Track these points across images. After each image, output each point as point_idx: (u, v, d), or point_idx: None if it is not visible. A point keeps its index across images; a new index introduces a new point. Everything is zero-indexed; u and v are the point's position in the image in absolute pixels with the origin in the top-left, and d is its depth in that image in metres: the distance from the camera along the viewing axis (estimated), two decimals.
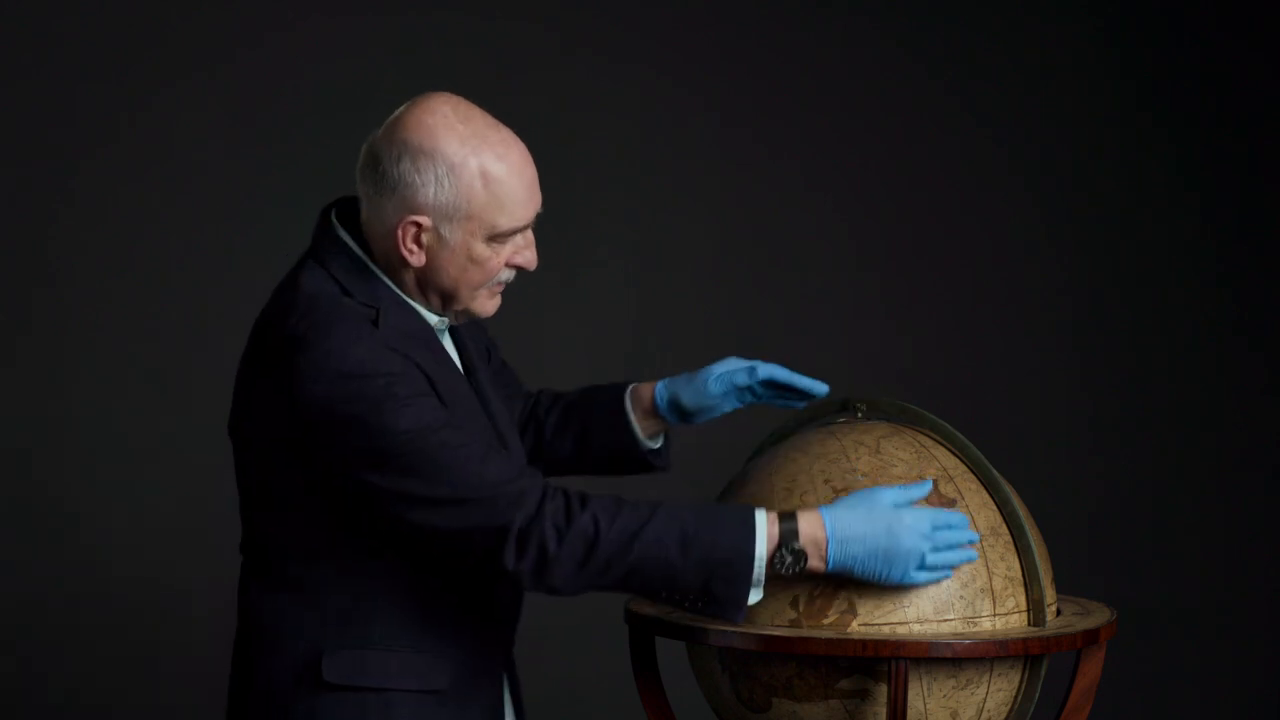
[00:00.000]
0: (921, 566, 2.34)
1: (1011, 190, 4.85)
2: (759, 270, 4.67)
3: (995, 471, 2.48)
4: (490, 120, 2.36)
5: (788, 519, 2.32)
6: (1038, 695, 2.50)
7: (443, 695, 2.38)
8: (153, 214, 4.17)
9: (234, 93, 4.21)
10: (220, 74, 4.20)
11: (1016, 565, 2.44)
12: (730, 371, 2.63)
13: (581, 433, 2.68)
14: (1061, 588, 2.61)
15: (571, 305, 4.48)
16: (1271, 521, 4.94)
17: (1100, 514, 4.84)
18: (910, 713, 2.38)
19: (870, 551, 2.32)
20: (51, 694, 4.10)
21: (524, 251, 2.39)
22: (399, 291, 2.38)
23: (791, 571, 2.32)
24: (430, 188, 2.31)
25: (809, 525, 2.32)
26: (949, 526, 2.36)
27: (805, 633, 2.36)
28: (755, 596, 2.33)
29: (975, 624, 2.39)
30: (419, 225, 2.32)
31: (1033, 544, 2.45)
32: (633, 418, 2.65)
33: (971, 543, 2.38)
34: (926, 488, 2.39)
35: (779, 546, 2.31)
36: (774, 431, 2.70)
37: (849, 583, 2.36)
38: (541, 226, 2.42)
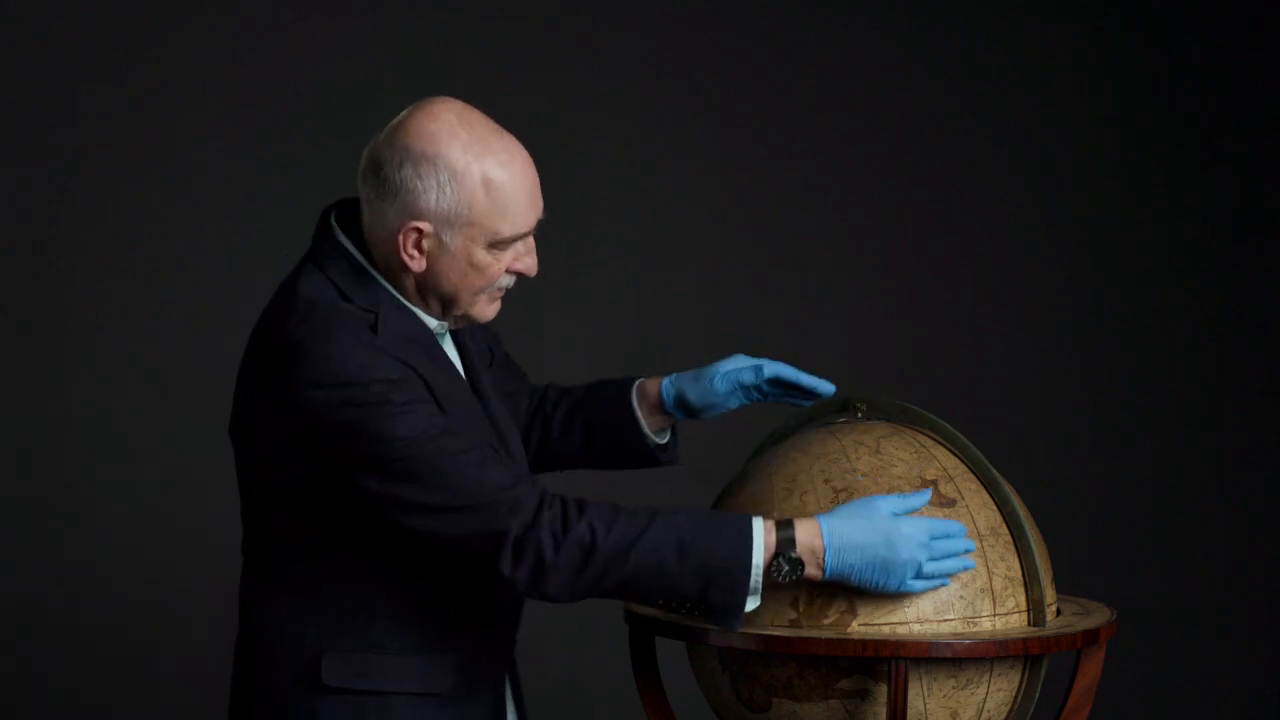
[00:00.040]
0: (919, 575, 2.34)
1: (1011, 190, 4.85)
2: (759, 270, 4.67)
3: (995, 471, 2.48)
4: (493, 126, 2.36)
5: (785, 527, 2.32)
6: (1038, 695, 2.50)
7: (443, 698, 2.38)
8: (153, 214, 4.17)
9: (234, 93, 4.21)
10: (220, 74, 4.20)
11: (1016, 565, 2.44)
12: (737, 370, 2.63)
13: (588, 428, 2.68)
14: (1061, 588, 2.61)
15: (571, 305, 4.48)
16: (1271, 521, 4.94)
17: (1100, 514, 4.84)
18: (910, 713, 2.38)
19: (868, 561, 2.33)
20: (51, 694, 4.10)
21: (524, 258, 2.39)
22: (399, 296, 2.38)
23: (788, 580, 2.32)
24: (432, 194, 2.31)
25: (806, 534, 2.32)
26: (947, 536, 2.36)
27: (805, 633, 2.36)
28: (753, 604, 2.33)
29: (975, 624, 2.39)
30: (420, 231, 2.32)
31: (1033, 544, 2.45)
32: (639, 413, 2.65)
33: (968, 552, 2.38)
34: (925, 497, 2.39)
35: (776, 555, 2.31)
36: (774, 431, 2.70)
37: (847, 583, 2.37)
38: (542, 226, 2.42)
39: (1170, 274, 4.93)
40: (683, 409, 2.65)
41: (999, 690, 2.44)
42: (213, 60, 4.20)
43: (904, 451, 2.48)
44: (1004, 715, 2.48)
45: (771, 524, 2.33)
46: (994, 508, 2.46)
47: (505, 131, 2.36)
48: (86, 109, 4.11)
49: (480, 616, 2.41)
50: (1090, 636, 2.45)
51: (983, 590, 2.40)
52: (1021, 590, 2.44)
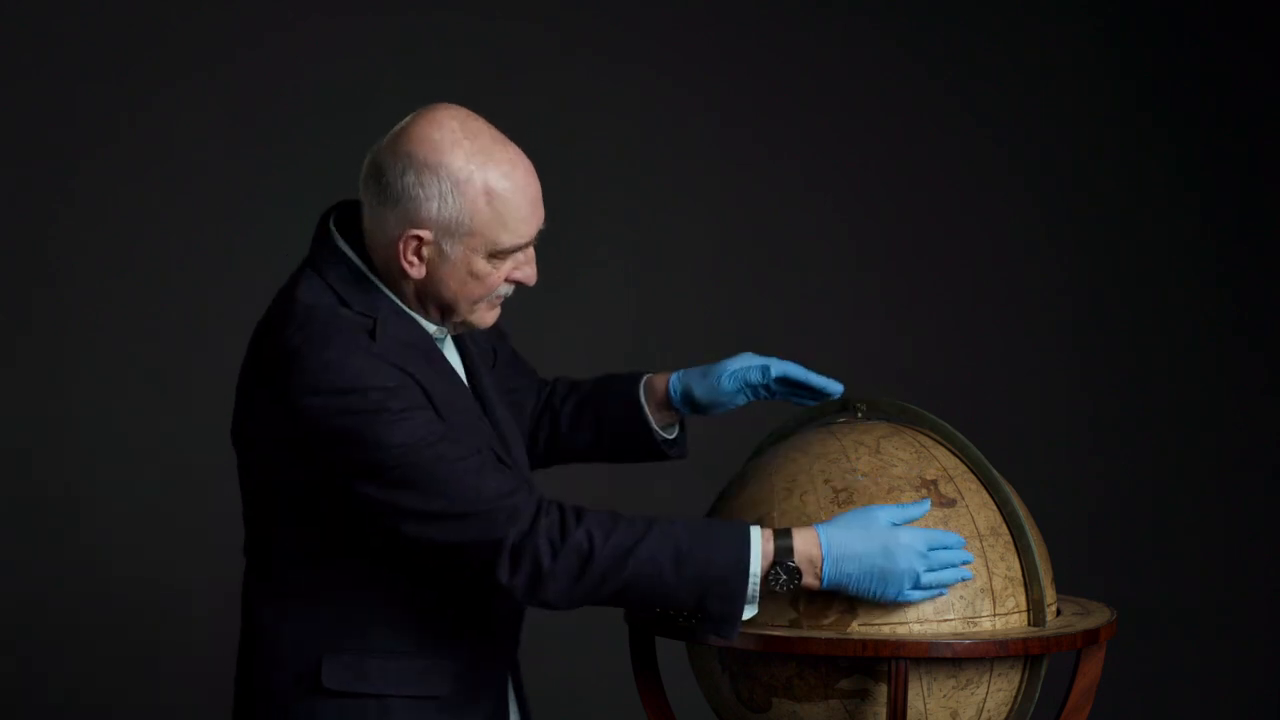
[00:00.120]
0: (916, 586, 2.34)
1: (1011, 190, 4.85)
2: (759, 270, 4.67)
3: (995, 471, 2.48)
4: (496, 135, 2.35)
5: (783, 536, 2.32)
6: (1038, 695, 2.50)
7: (442, 701, 2.38)
8: (153, 214, 4.17)
9: (234, 93, 4.21)
10: (220, 74, 4.20)
11: (1016, 565, 2.44)
12: (744, 368, 2.64)
13: (597, 422, 2.69)
14: (1061, 588, 2.61)
15: (571, 305, 4.48)
16: (1271, 521, 4.94)
17: (1100, 514, 4.84)
18: (910, 713, 2.38)
19: (865, 570, 2.33)
20: (51, 694, 4.10)
21: (524, 267, 2.39)
22: (398, 301, 2.38)
23: (786, 589, 2.32)
24: (434, 202, 2.31)
25: (804, 543, 2.32)
26: (945, 547, 2.36)
27: (805, 633, 2.36)
28: (750, 613, 2.33)
29: (975, 624, 2.39)
30: (420, 239, 2.32)
31: (1033, 544, 2.45)
32: (647, 408, 2.66)
33: (967, 563, 2.38)
34: (924, 508, 2.39)
35: (774, 564, 2.31)
36: (774, 431, 2.70)
37: None
38: (542, 229, 2.42)
39: (1170, 274, 4.93)
40: (690, 405, 2.66)
41: (999, 690, 2.44)
42: (213, 60, 4.20)
43: (904, 451, 2.48)
44: (1004, 715, 2.48)
45: (769, 533, 2.33)
46: (994, 508, 2.46)
47: (508, 140, 2.36)
48: (86, 109, 4.11)
49: (479, 623, 2.41)
50: (1090, 636, 2.45)
51: (983, 590, 2.40)
52: (1021, 590, 2.44)
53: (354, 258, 2.37)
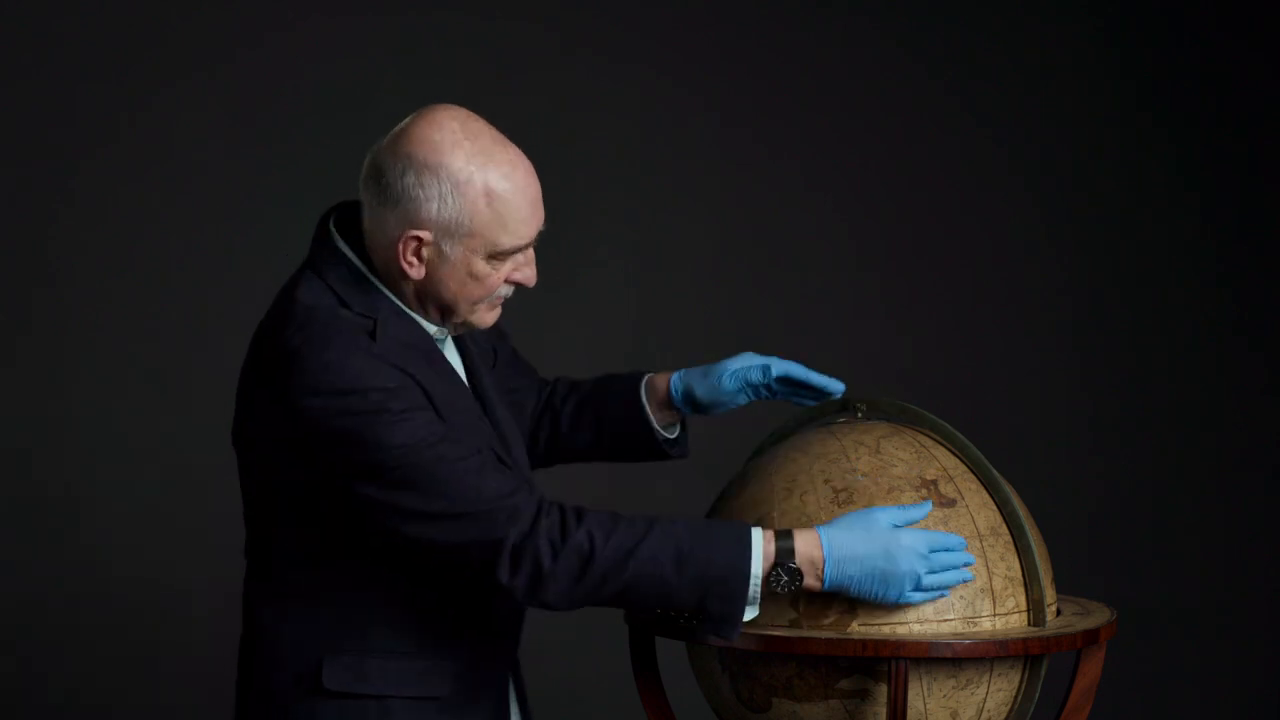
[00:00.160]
0: (917, 587, 2.34)
1: (1011, 190, 4.85)
2: (759, 270, 4.67)
3: (995, 471, 2.48)
4: (497, 136, 2.35)
5: (784, 538, 2.32)
6: (1038, 695, 2.50)
7: (442, 702, 2.38)
8: (153, 214, 4.17)
9: (234, 93, 4.21)
10: (220, 74, 4.20)
11: (1016, 565, 2.44)
12: (745, 368, 2.63)
13: (598, 422, 2.69)
14: (1061, 588, 2.61)
15: (571, 305, 4.48)
16: (1271, 521, 4.94)
17: (1100, 514, 4.84)
18: (910, 713, 2.38)
19: (867, 573, 2.33)
20: (51, 694, 4.10)
21: (524, 269, 2.39)
22: (398, 302, 2.38)
23: (787, 590, 2.32)
24: (434, 203, 2.30)
25: (805, 545, 2.32)
26: (946, 548, 2.36)
27: (805, 633, 2.36)
28: (751, 614, 2.33)
29: (975, 624, 2.39)
30: (420, 240, 2.32)
31: (1033, 544, 2.45)
32: (648, 408, 2.66)
33: (968, 565, 2.38)
34: (925, 509, 2.39)
35: (775, 565, 2.31)
36: (774, 431, 2.70)
37: None
38: (542, 230, 2.42)
39: (1170, 274, 4.93)
40: (691, 405, 2.66)
41: (999, 690, 2.44)
42: (213, 60, 4.20)
43: (904, 451, 2.48)
44: (1004, 715, 2.48)
45: (771, 534, 2.32)
46: (994, 508, 2.46)
47: (509, 142, 2.36)
48: (86, 109, 4.11)
49: (479, 624, 2.41)
50: (1090, 636, 2.45)
51: (983, 590, 2.40)
52: (1021, 590, 2.44)
53: (354, 259, 2.37)
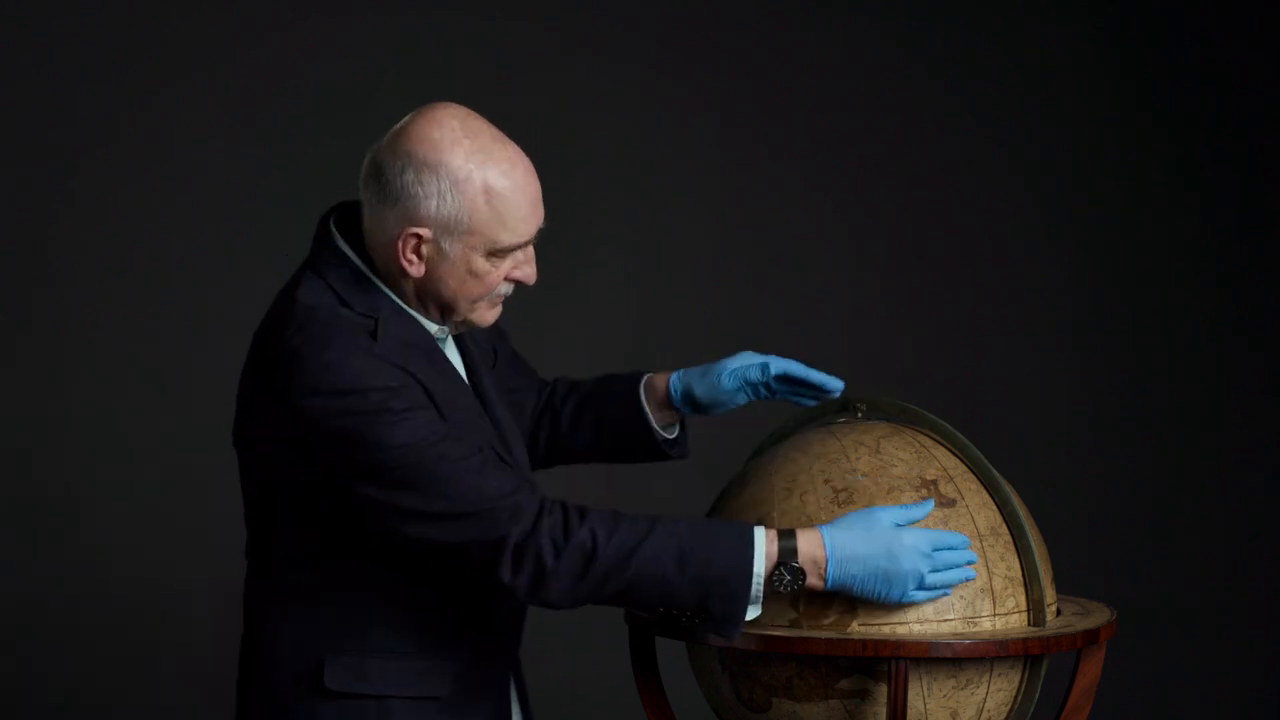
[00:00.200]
0: (921, 586, 2.34)
1: (1011, 190, 4.85)
2: (759, 270, 4.67)
3: (995, 471, 2.48)
4: (496, 134, 2.35)
5: (787, 537, 2.32)
6: (1038, 695, 2.50)
7: (443, 702, 2.38)
8: (153, 214, 4.17)
9: (234, 93, 4.21)
10: (220, 74, 4.20)
11: (1016, 565, 2.44)
12: (744, 366, 2.63)
13: (598, 422, 2.68)
14: (1061, 588, 2.61)
15: (571, 305, 4.48)
16: (1271, 521, 4.94)
17: (1100, 514, 4.84)
18: (910, 713, 2.38)
19: (870, 572, 2.32)
20: (51, 694, 4.10)
21: (523, 266, 2.39)
22: (399, 301, 2.38)
23: (790, 590, 2.32)
24: (433, 201, 2.31)
25: (808, 544, 2.32)
26: (949, 547, 2.36)
27: (805, 633, 2.36)
28: (753, 613, 2.33)
29: (975, 624, 2.39)
30: (420, 237, 2.32)
31: (1033, 544, 2.45)
32: (647, 408, 2.65)
33: (971, 563, 2.38)
34: (927, 508, 2.39)
35: (778, 564, 2.31)
36: (774, 431, 2.70)
37: None
38: (542, 229, 2.41)
39: (1170, 274, 4.93)
40: (690, 405, 2.66)
41: (999, 690, 2.44)
42: (213, 60, 4.20)
43: (904, 451, 2.48)
44: (1004, 715, 2.48)
45: (774, 533, 2.32)
46: (994, 508, 2.46)
47: (508, 140, 2.36)
48: (86, 109, 4.11)
49: (480, 624, 2.41)
50: (1090, 636, 2.45)
51: (983, 590, 2.40)
52: (1021, 590, 2.44)
53: (354, 258, 2.37)
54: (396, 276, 2.36)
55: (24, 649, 4.08)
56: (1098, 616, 2.52)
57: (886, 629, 2.36)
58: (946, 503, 2.42)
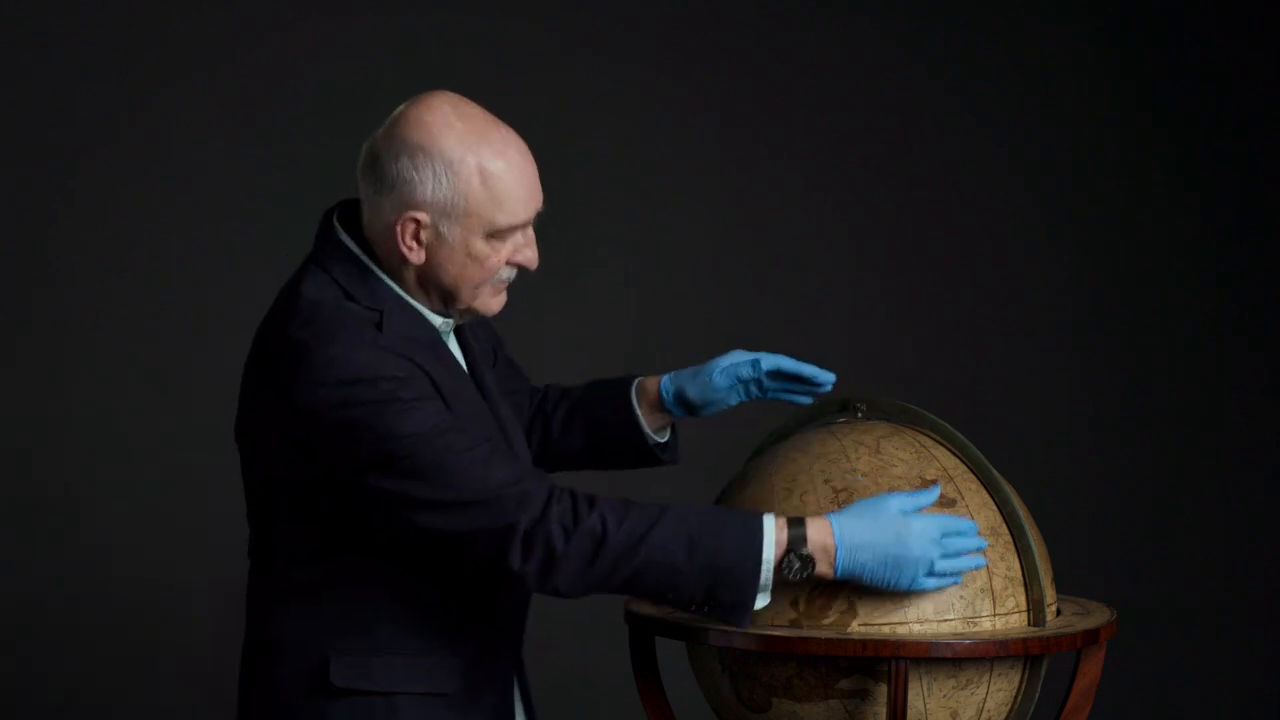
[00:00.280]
0: (930, 573, 2.33)
1: (1011, 190, 4.85)
2: (759, 270, 4.67)
3: (995, 471, 2.48)
4: (490, 118, 2.36)
5: (796, 525, 2.32)
6: (1038, 695, 2.50)
7: (450, 699, 2.38)
8: (153, 214, 4.17)
9: (234, 93, 4.21)
10: (220, 74, 4.20)
11: (1016, 565, 2.44)
12: (735, 364, 2.63)
13: (589, 427, 2.68)
14: (1061, 588, 2.61)
15: (571, 305, 4.48)
16: (1271, 521, 4.94)
17: (1100, 514, 4.84)
18: (910, 713, 2.38)
19: (879, 559, 2.32)
20: (51, 694, 4.10)
21: (524, 250, 2.39)
22: (403, 294, 2.38)
23: (799, 577, 2.31)
24: (428, 184, 2.31)
25: (817, 532, 2.32)
26: (958, 533, 2.35)
27: (805, 633, 2.36)
28: (762, 602, 2.32)
29: (975, 624, 2.39)
30: (418, 222, 2.32)
31: (1033, 544, 2.45)
32: (639, 412, 2.65)
33: (980, 550, 2.38)
34: (934, 494, 2.38)
35: (787, 552, 2.30)
36: (774, 431, 2.70)
37: (850, 583, 2.36)
38: (542, 227, 2.41)
39: (1170, 274, 4.93)
40: (683, 406, 2.65)
41: (999, 690, 2.44)
42: (213, 60, 4.20)
43: (904, 451, 2.48)
44: (1004, 715, 2.48)
45: (783, 521, 2.32)
46: (994, 508, 2.46)
47: (502, 123, 2.36)
48: (86, 109, 4.11)
49: (483, 620, 2.41)
50: (1090, 636, 2.45)
51: (983, 590, 2.40)
52: (1021, 590, 2.44)
53: (358, 252, 2.37)
54: (398, 266, 2.36)
55: (24, 649, 4.08)
56: (1098, 616, 2.52)
57: (886, 629, 2.36)
58: (947, 502, 2.42)
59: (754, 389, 2.64)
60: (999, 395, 4.77)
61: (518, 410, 2.69)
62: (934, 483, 2.42)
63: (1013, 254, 4.84)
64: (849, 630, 2.36)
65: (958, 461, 2.49)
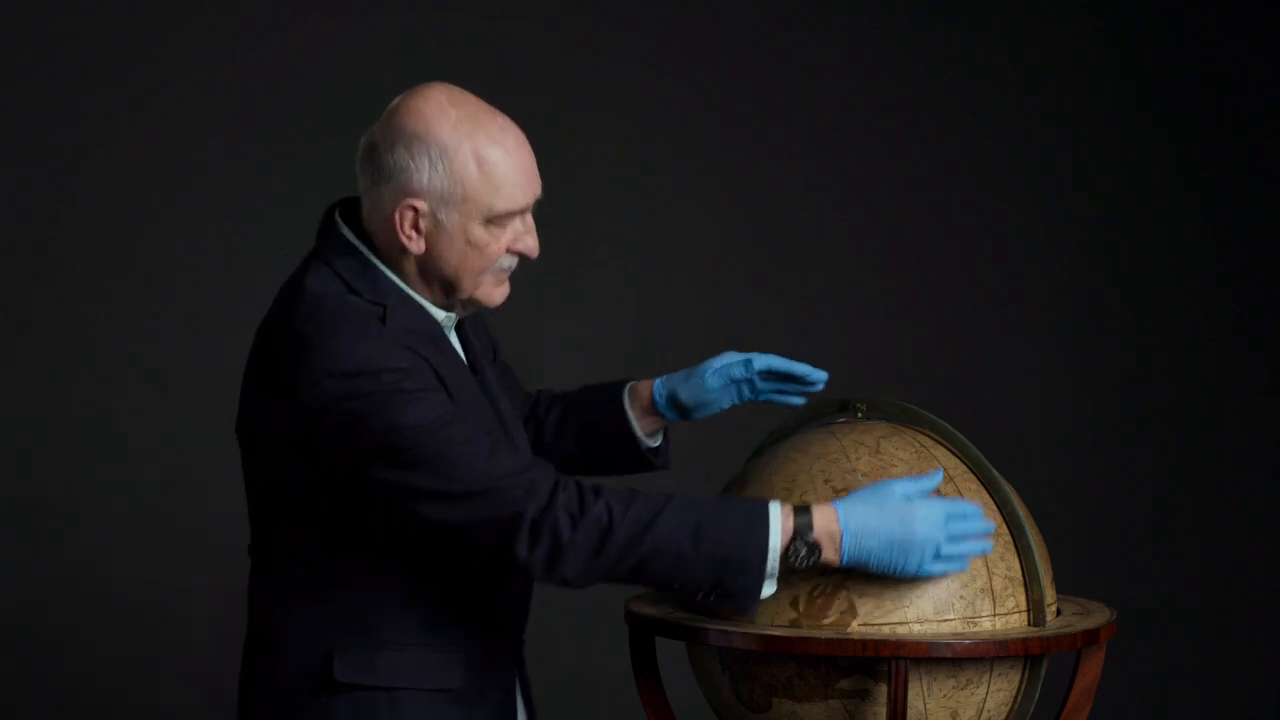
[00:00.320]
0: (937, 557, 2.33)
1: (1011, 190, 4.85)
2: (759, 270, 4.67)
3: (995, 471, 2.48)
4: (486, 106, 2.36)
5: (802, 512, 2.32)
6: (1038, 695, 2.50)
7: (455, 694, 2.38)
8: (153, 214, 4.17)
9: (234, 93, 4.21)
10: (220, 74, 4.20)
11: (1016, 565, 2.44)
12: (728, 364, 2.62)
13: (581, 432, 2.67)
14: (1061, 588, 2.61)
15: (571, 305, 4.48)
16: (1271, 521, 4.94)
17: (1100, 514, 4.84)
18: (910, 713, 2.38)
19: (885, 543, 2.32)
20: (51, 694, 4.10)
21: (525, 238, 2.38)
22: (405, 288, 2.38)
23: (806, 564, 2.31)
24: (425, 172, 2.31)
25: (823, 518, 2.31)
26: (963, 516, 2.35)
27: (805, 633, 2.36)
28: (769, 589, 2.32)
29: (975, 624, 2.39)
30: (416, 210, 2.32)
31: (1033, 544, 2.45)
32: (632, 415, 2.64)
33: (987, 533, 2.37)
34: (938, 478, 2.38)
35: (793, 538, 2.30)
36: (774, 431, 2.70)
37: (849, 582, 2.36)
38: (542, 227, 2.41)
39: (1170, 274, 4.93)
40: (676, 409, 2.64)
41: (999, 690, 2.44)
42: (213, 60, 4.20)
43: (904, 451, 2.48)
44: (1004, 715, 2.48)
45: (789, 508, 2.32)
46: (994, 508, 2.46)
47: (499, 112, 2.37)
48: (86, 109, 4.11)
49: (485, 617, 2.41)
50: (1090, 636, 2.45)
51: (983, 590, 2.40)
52: (1021, 590, 2.44)
53: (360, 246, 2.37)
54: (398, 257, 2.36)
55: (24, 649, 4.08)
56: (1098, 616, 2.52)
57: (886, 629, 2.36)
58: None
59: (746, 390, 2.63)
60: (999, 395, 4.77)
61: (516, 408, 2.69)
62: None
63: (1013, 254, 4.84)
64: (849, 630, 2.36)
65: (958, 461, 2.49)
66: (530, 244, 2.39)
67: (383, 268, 2.37)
